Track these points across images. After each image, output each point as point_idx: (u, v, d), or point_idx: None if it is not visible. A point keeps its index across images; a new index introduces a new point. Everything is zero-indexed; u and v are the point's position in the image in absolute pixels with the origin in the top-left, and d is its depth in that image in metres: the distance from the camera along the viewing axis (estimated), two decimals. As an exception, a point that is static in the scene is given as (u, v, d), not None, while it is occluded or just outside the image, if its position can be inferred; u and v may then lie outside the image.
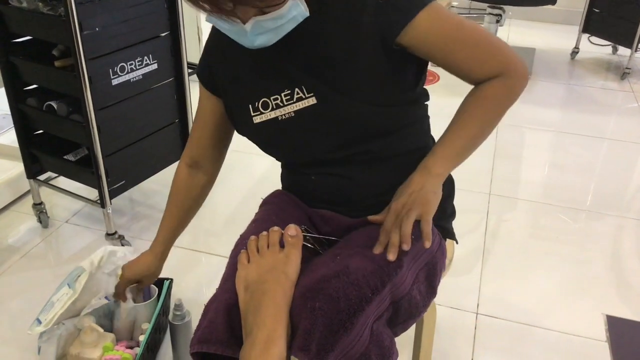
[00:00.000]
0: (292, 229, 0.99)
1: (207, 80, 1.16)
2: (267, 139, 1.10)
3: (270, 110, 1.04)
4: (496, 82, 1.01)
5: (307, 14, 0.91)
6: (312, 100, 1.00)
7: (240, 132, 1.16)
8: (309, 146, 1.06)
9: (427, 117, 1.15)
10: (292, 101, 1.01)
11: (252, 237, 1.02)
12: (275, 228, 1.01)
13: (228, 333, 0.93)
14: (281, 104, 1.02)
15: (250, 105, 1.06)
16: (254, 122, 1.06)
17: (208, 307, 0.99)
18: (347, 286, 0.92)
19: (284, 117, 1.03)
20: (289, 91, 1.01)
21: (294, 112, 1.01)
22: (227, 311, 0.95)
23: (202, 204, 1.36)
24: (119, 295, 1.45)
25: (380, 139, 1.04)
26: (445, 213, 1.19)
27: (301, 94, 1.00)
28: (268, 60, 1.02)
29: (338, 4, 0.97)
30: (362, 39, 0.96)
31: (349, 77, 0.98)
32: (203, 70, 1.16)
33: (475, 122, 1.03)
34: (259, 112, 1.05)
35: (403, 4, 0.95)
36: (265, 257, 0.98)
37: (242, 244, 1.04)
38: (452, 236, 1.23)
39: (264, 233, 1.01)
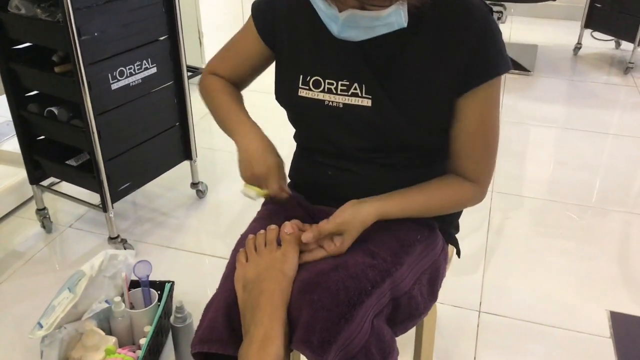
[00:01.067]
0: (288, 226, 0.99)
1: (266, 32, 1.09)
2: (303, 115, 1.08)
3: (320, 92, 1.02)
4: (469, 187, 1.07)
5: (405, 25, 0.88)
6: (366, 102, 0.99)
7: (277, 98, 1.11)
8: (342, 140, 1.06)
9: None
10: (346, 93, 1.00)
11: (250, 236, 1.02)
12: (273, 226, 1.01)
13: (228, 332, 0.93)
14: (334, 91, 1.01)
15: (301, 76, 1.03)
16: (299, 94, 1.04)
17: (208, 307, 0.99)
18: (346, 279, 0.92)
19: (331, 103, 1.02)
20: (347, 83, 1.00)
21: (343, 104, 1.01)
22: (226, 310, 0.95)
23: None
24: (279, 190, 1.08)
25: (410, 153, 1.06)
26: (452, 224, 1.21)
27: (358, 91, 0.99)
28: (339, 43, 0.96)
29: (436, 27, 0.95)
30: (442, 72, 0.96)
31: (412, 97, 0.98)
32: (266, 20, 1.09)
33: (435, 207, 1.07)
34: (307, 88, 1.03)
35: (494, 58, 0.96)
36: (262, 255, 0.98)
37: (242, 243, 1.05)
38: (454, 242, 1.23)
39: (262, 231, 1.02)
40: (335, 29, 0.91)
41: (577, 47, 3.94)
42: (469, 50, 0.94)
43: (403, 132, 1.00)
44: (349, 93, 1.00)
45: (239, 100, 1.17)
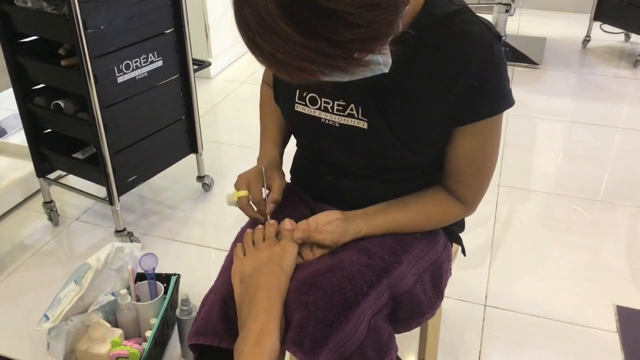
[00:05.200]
0: (288, 223, 0.98)
1: None
2: (299, 127, 1.09)
3: (317, 109, 1.00)
4: (460, 208, 1.07)
5: (386, 71, 0.79)
6: (362, 124, 0.97)
7: (277, 104, 1.13)
8: (338, 155, 1.06)
9: None
10: (342, 114, 0.98)
11: (249, 230, 1.02)
12: (272, 221, 1.01)
13: (224, 325, 0.93)
14: (330, 110, 0.99)
15: (297, 91, 1.02)
16: (295, 108, 1.03)
17: (205, 300, 0.99)
18: (342, 280, 0.92)
19: (327, 122, 1.00)
20: (344, 103, 0.97)
21: (339, 124, 0.99)
22: (223, 303, 0.95)
23: None
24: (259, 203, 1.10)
25: (407, 171, 1.06)
26: (456, 223, 1.19)
27: (354, 112, 0.97)
28: None
29: (437, 57, 0.91)
30: (440, 103, 0.93)
31: (408, 124, 0.96)
32: None
33: (420, 225, 1.07)
34: (303, 103, 1.02)
35: (494, 94, 0.93)
36: (260, 250, 0.98)
37: (241, 237, 1.05)
38: (458, 241, 1.23)
39: (260, 226, 1.01)
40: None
41: (586, 39, 3.91)
42: (468, 85, 0.90)
43: (399, 155, 0.99)
44: (345, 113, 0.98)
45: (273, 114, 1.20)
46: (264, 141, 1.20)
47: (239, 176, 1.11)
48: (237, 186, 1.10)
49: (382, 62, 0.77)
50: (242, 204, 1.08)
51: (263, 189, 1.08)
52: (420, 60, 0.92)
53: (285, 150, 1.22)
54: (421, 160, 1.02)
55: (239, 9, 0.71)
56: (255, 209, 1.08)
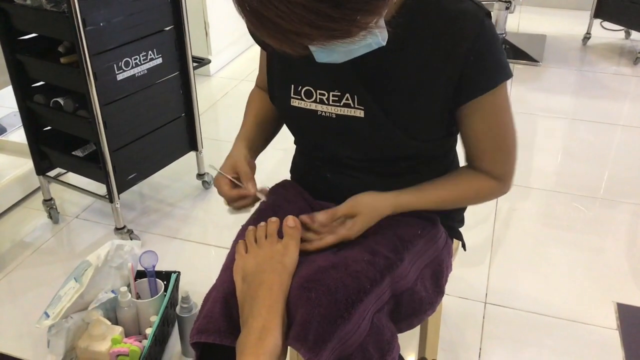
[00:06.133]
0: (291, 220, 0.98)
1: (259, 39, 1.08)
2: (296, 123, 1.08)
3: (312, 102, 1.00)
4: (491, 182, 1.05)
5: (383, 43, 0.80)
6: (359, 113, 0.97)
7: (273, 103, 1.13)
8: (337, 148, 1.06)
9: (454, 149, 1.15)
10: (338, 104, 0.98)
11: (251, 228, 1.02)
12: (274, 219, 1.00)
13: (226, 323, 0.93)
14: (326, 102, 0.99)
15: (292, 86, 1.02)
16: (291, 103, 1.03)
17: (207, 297, 0.99)
18: (345, 277, 0.91)
19: (323, 114, 1.00)
20: (339, 93, 0.97)
21: (336, 114, 0.99)
22: (225, 301, 0.95)
23: (277, 127, 1.24)
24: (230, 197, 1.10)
25: (407, 161, 1.05)
26: (455, 218, 1.20)
27: (350, 102, 0.97)
28: None
29: (429, 37, 0.91)
30: (436, 83, 0.93)
31: (405, 109, 0.96)
32: None
33: (452, 200, 1.08)
34: (299, 98, 1.01)
35: (491, 67, 0.93)
36: (262, 247, 0.97)
37: (242, 234, 1.04)
38: (458, 236, 1.23)
39: (262, 224, 1.01)
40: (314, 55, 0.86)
41: (587, 37, 3.90)
42: (463, 61, 0.90)
43: (397, 142, 0.99)
44: (341, 104, 0.98)
45: (258, 112, 1.20)
46: (237, 140, 1.17)
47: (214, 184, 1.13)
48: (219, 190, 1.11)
49: (379, 36, 0.78)
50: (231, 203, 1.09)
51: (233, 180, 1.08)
52: (412, 43, 0.92)
53: (285, 150, 1.22)
54: (421, 147, 1.01)
55: None
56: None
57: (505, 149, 1.03)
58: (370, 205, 1.00)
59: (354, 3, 0.69)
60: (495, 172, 1.04)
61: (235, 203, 1.09)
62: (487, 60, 0.92)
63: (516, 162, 1.06)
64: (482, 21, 0.90)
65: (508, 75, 0.95)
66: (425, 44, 0.92)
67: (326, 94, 0.98)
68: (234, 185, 1.07)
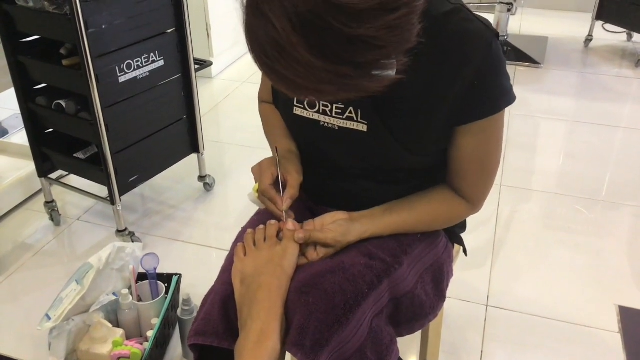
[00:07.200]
0: (290, 223, 0.98)
1: None
2: (299, 130, 1.08)
3: (315, 112, 1.00)
4: (463, 206, 1.06)
5: (393, 75, 0.78)
6: (362, 127, 0.96)
7: (276, 106, 1.13)
8: (337, 158, 1.05)
9: None
10: (341, 117, 0.97)
11: (250, 230, 1.02)
12: (273, 221, 1.00)
13: (224, 325, 0.93)
14: (329, 113, 0.98)
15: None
16: (293, 111, 1.02)
17: (205, 300, 0.99)
18: (342, 282, 0.91)
19: (326, 125, 0.99)
20: (342, 106, 0.96)
21: (338, 127, 0.98)
22: (223, 303, 0.95)
23: None
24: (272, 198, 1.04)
25: (406, 172, 1.05)
26: (456, 225, 1.19)
27: (353, 115, 0.96)
28: None
29: (436, 56, 0.90)
30: (441, 103, 0.92)
31: (409, 126, 0.95)
32: None
33: (426, 225, 1.07)
34: (302, 107, 1.01)
35: (494, 92, 0.92)
36: (261, 250, 0.97)
37: (242, 237, 1.04)
38: (459, 242, 1.22)
39: (261, 226, 1.01)
40: None
41: (588, 39, 3.90)
42: (467, 84, 0.89)
43: (399, 156, 0.98)
44: (344, 117, 0.97)
45: (278, 122, 1.16)
46: (275, 139, 1.13)
47: (252, 169, 1.07)
48: (255, 180, 1.06)
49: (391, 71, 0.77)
50: (261, 198, 1.04)
51: (279, 181, 1.03)
52: (419, 61, 0.91)
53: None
54: (421, 161, 1.01)
55: (253, 36, 0.70)
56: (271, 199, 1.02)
57: (489, 174, 1.03)
58: (344, 240, 0.99)
59: (374, 63, 0.69)
60: (472, 195, 1.05)
61: (261, 197, 1.04)
62: (492, 84, 0.91)
63: (490, 190, 1.07)
64: (489, 44, 0.88)
65: (510, 101, 0.94)
66: (432, 63, 0.90)
67: (329, 106, 0.98)
68: (275, 183, 1.03)
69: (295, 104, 1.02)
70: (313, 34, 0.66)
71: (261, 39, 0.69)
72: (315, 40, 0.66)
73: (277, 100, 1.12)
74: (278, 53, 0.68)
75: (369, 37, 0.66)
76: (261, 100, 1.24)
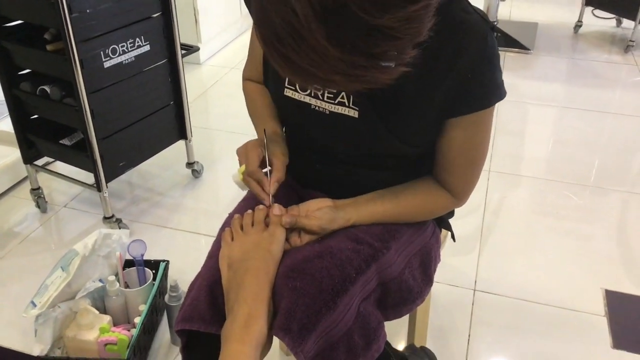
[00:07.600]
0: (277, 208, 0.97)
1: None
2: (288, 113, 1.07)
3: (307, 95, 0.99)
4: (448, 199, 1.06)
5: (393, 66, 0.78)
6: (353, 113, 0.95)
7: (266, 85, 1.11)
8: (327, 142, 1.04)
9: None
10: (332, 102, 0.96)
11: (237, 215, 1.01)
12: (261, 206, 0.99)
13: (211, 310, 0.92)
14: (320, 97, 0.97)
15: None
16: (284, 93, 1.01)
17: (192, 285, 0.98)
18: (330, 266, 0.91)
19: (317, 108, 0.98)
20: (334, 91, 0.96)
21: (330, 111, 0.97)
22: (210, 289, 0.94)
23: None
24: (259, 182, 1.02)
25: (396, 159, 1.04)
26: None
27: (345, 101, 0.95)
28: None
29: (431, 46, 0.85)
30: (434, 93, 0.92)
31: (399, 113, 0.95)
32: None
33: (409, 216, 1.06)
34: (293, 88, 0.99)
35: (487, 86, 0.91)
36: (249, 235, 0.97)
37: (229, 222, 1.03)
38: (447, 227, 1.23)
39: (249, 211, 1.00)
40: None
41: (578, 25, 3.90)
42: (461, 77, 0.89)
43: (389, 144, 0.98)
44: (336, 101, 0.96)
45: (264, 102, 1.15)
46: (261, 121, 1.12)
47: (237, 151, 1.04)
48: (240, 162, 1.04)
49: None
50: (246, 179, 1.02)
51: (267, 165, 1.02)
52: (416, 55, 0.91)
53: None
54: (412, 151, 1.01)
55: (267, 20, 0.68)
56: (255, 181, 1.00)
57: (475, 167, 1.03)
58: (329, 227, 0.99)
59: (387, 54, 0.69)
60: (457, 188, 1.05)
61: (246, 179, 1.02)
62: (485, 78, 0.91)
63: (475, 184, 1.06)
64: (485, 37, 0.88)
65: (502, 95, 0.94)
66: (426, 53, 0.88)
67: (321, 90, 0.97)
68: (261, 165, 1.01)
69: (286, 85, 1.00)
70: (334, 22, 0.65)
71: (276, 23, 0.67)
72: (335, 29, 0.65)
73: (267, 79, 1.10)
74: (293, 39, 0.66)
75: (388, 28, 0.65)
76: (245, 78, 1.22)
